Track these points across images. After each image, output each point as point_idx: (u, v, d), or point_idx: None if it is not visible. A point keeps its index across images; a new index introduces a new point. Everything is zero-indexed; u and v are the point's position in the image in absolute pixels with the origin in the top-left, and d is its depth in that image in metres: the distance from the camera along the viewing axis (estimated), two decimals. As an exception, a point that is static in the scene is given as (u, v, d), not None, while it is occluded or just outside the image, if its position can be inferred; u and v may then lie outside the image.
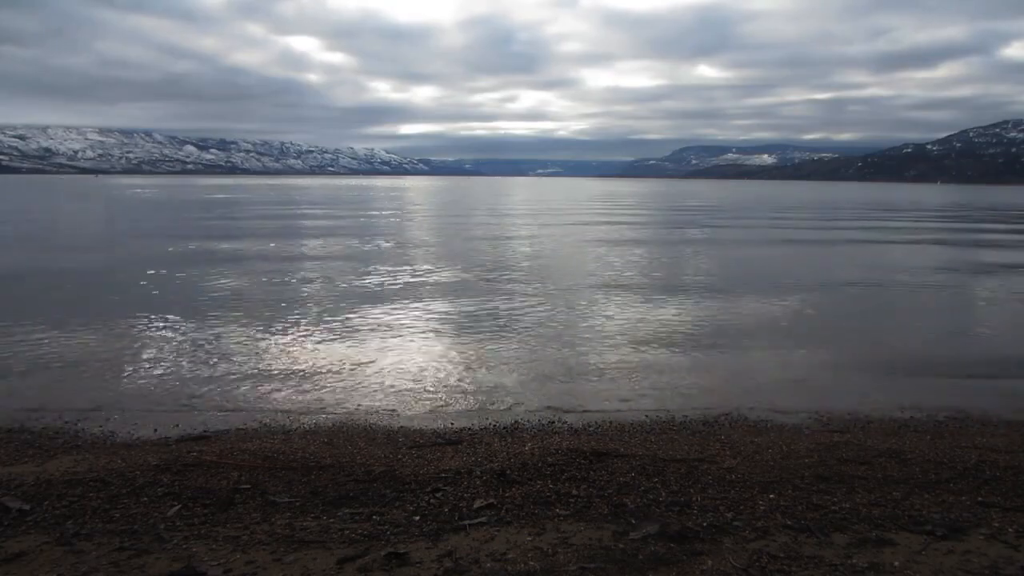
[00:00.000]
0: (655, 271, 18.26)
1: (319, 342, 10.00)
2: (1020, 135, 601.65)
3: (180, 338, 10.11)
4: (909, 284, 16.68)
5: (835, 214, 51.50)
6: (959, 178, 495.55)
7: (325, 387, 7.97)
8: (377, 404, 7.44)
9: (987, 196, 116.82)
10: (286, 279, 16.00)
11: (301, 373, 8.49)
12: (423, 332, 10.74)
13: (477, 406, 7.40)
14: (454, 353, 9.50)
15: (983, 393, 8.06)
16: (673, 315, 12.20)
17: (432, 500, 4.25)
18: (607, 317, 11.92)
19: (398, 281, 15.78)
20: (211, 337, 10.17)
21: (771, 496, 4.32)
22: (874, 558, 3.43)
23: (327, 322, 11.31)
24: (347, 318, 11.66)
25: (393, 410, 7.25)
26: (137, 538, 3.64)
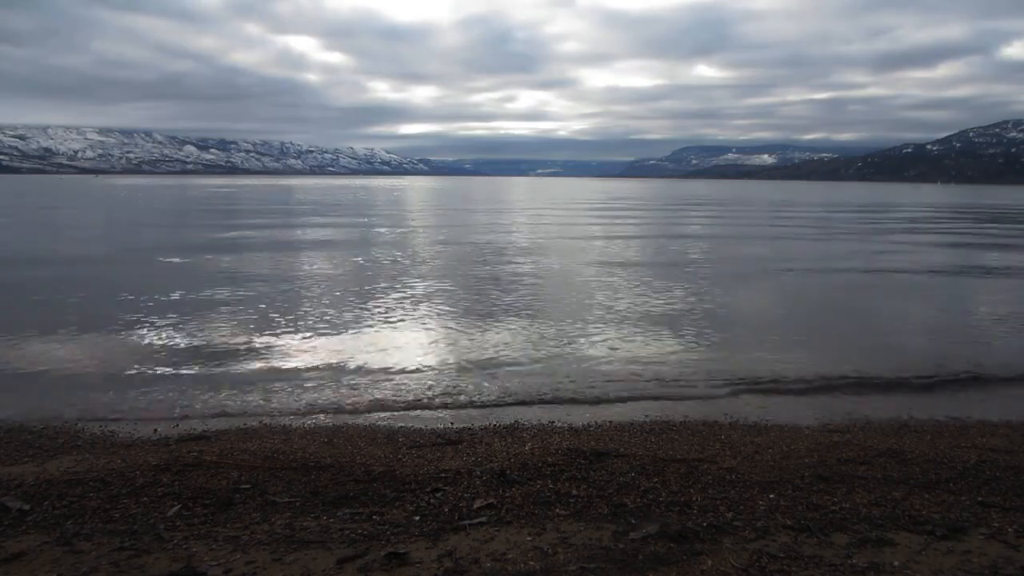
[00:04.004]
0: (656, 271, 18.25)
1: (319, 343, 10.01)
2: (1020, 135, 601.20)
3: (180, 339, 10.11)
4: (912, 284, 16.67)
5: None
6: (959, 178, 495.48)
7: (325, 387, 7.98)
8: (377, 404, 7.44)
9: (997, 196, 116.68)
10: (286, 281, 16.00)
11: (301, 374, 8.50)
12: (423, 334, 10.75)
13: (477, 406, 7.40)
14: (454, 354, 9.50)
15: (983, 393, 8.06)
16: (674, 315, 12.19)
17: (432, 500, 4.25)
18: (608, 318, 11.92)
19: (398, 282, 15.78)
20: (211, 339, 10.18)
21: (771, 496, 4.32)
22: (874, 558, 3.43)
23: (327, 323, 11.31)
24: (347, 320, 11.67)
25: (393, 410, 7.25)
26: (137, 538, 3.63)
